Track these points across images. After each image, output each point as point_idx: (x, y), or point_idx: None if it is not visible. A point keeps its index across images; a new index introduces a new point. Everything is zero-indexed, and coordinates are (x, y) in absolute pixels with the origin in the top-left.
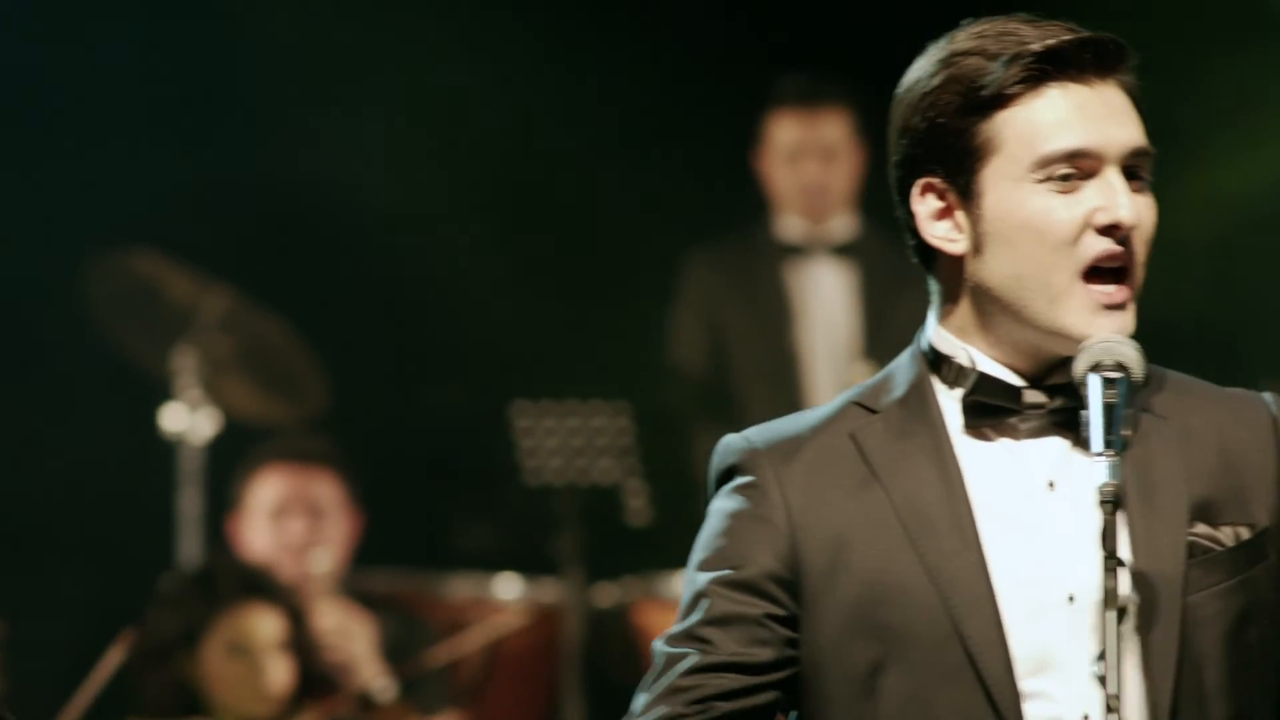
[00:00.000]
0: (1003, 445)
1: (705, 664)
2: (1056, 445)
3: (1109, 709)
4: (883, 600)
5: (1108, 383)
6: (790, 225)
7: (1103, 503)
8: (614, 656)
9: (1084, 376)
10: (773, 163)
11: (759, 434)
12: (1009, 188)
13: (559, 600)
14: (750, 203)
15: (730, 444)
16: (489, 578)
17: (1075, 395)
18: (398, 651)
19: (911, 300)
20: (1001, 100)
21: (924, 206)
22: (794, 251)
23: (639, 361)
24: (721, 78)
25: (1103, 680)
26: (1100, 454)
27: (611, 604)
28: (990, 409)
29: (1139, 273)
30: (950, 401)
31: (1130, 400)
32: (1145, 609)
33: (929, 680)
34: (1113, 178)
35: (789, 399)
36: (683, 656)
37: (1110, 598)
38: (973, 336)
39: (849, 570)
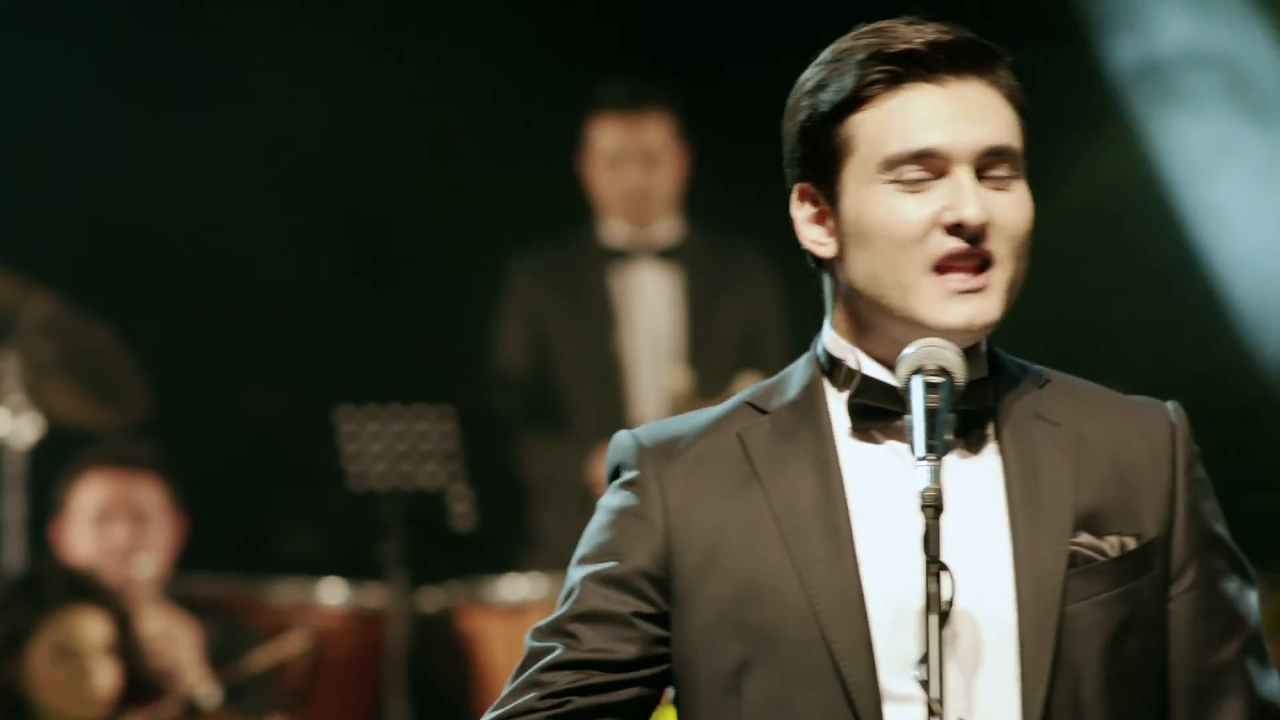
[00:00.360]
0: (889, 448)
1: (566, 660)
2: None
3: (931, 712)
4: (753, 601)
5: (930, 387)
6: (614, 230)
7: (924, 507)
8: (438, 661)
9: (907, 381)
10: (595, 168)
11: (647, 431)
12: (863, 189)
13: (383, 605)
14: (575, 207)
15: (618, 441)
16: (313, 582)
17: (961, 399)
18: (222, 656)
19: (734, 304)
20: (857, 102)
21: (801, 211)
22: (618, 256)
23: (464, 366)
24: (545, 82)
25: (924, 684)
26: (922, 458)
27: (436, 608)
28: (876, 412)
29: (1007, 268)
30: (840, 405)
31: (1020, 404)
32: (1022, 617)
33: (792, 682)
34: (963, 177)
35: (612, 403)
36: (547, 651)
37: (932, 602)
38: (856, 339)
39: (721, 569)
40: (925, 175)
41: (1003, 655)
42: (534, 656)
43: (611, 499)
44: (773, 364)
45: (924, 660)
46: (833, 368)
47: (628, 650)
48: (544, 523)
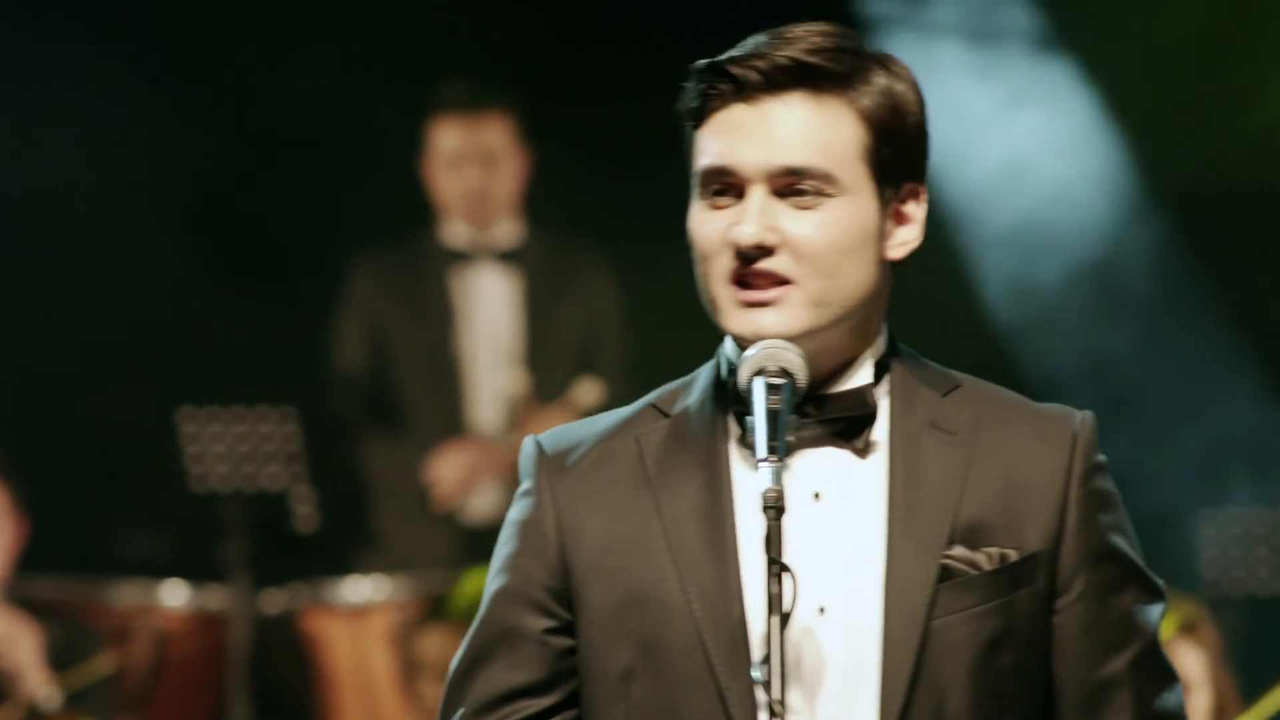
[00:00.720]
0: None
1: (485, 700)
2: (828, 456)
3: (772, 713)
4: (638, 606)
5: (771, 388)
6: (455, 231)
7: (765, 509)
8: (281, 663)
9: (749, 383)
10: (436, 169)
11: (551, 436)
12: (692, 201)
13: (226, 607)
14: (416, 208)
15: (522, 448)
16: (155, 584)
17: (847, 405)
18: (63, 659)
19: (574, 308)
20: (696, 116)
21: None
22: (458, 257)
23: (305, 367)
24: (387, 82)
25: (766, 685)
26: (763, 460)
27: (279, 610)
28: None
29: (809, 285)
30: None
31: (916, 412)
32: (888, 628)
33: (673, 688)
34: (754, 197)
35: (451, 405)
36: (463, 694)
37: (774, 603)
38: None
39: (610, 574)
40: (727, 192)
41: (866, 664)
42: (454, 701)
43: (512, 511)
44: (611, 368)
45: (765, 661)
46: (730, 372)
47: (541, 672)
48: (385, 524)
